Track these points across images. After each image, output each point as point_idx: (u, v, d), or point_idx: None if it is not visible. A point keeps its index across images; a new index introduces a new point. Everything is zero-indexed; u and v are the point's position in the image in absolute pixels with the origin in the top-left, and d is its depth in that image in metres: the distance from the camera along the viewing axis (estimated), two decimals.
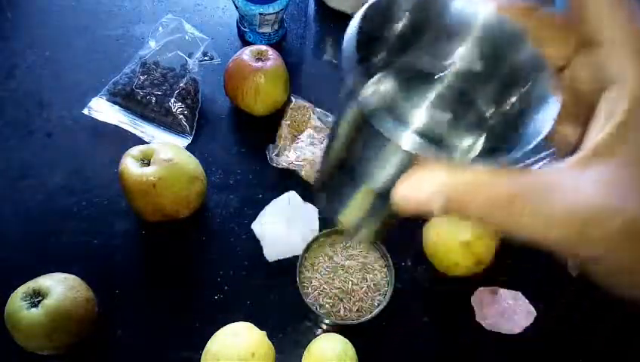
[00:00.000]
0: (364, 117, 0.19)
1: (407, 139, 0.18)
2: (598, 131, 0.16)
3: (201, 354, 0.46)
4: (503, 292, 0.54)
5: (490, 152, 0.23)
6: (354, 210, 0.25)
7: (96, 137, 0.62)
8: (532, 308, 0.53)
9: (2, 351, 0.47)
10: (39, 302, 0.44)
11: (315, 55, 0.75)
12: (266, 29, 0.70)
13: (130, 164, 0.50)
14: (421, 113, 0.25)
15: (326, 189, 0.27)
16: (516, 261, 0.57)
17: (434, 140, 0.25)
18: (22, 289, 0.45)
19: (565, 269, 0.58)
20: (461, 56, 0.24)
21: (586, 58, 0.17)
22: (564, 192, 0.15)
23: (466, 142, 0.25)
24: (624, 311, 0.56)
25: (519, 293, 0.54)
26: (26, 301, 0.44)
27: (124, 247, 0.55)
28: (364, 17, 0.20)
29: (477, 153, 0.24)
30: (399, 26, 0.23)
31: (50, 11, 0.73)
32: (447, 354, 0.52)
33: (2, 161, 0.60)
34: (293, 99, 0.66)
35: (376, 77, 0.25)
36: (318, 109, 0.66)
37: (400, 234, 0.58)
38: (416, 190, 0.17)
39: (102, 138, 0.62)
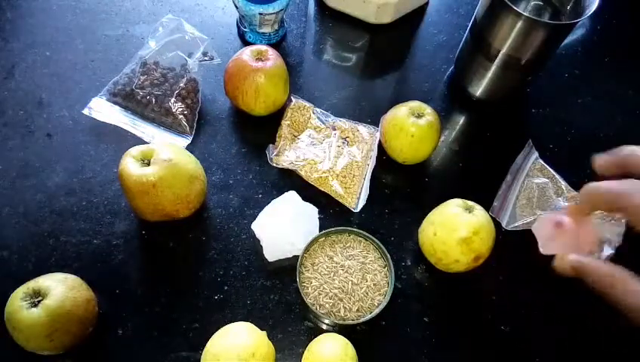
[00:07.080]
0: None
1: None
2: None
3: (201, 354, 0.46)
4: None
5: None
6: None
7: (96, 137, 0.62)
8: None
9: (2, 351, 0.47)
10: (39, 302, 0.44)
11: (315, 55, 0.75)
12: (266, 29, 0.70)
13: (130, 164, 0.50)
14: None
15: None
16: (514, 255, 0.57)
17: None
18: (22, 289, 0.45)
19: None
20: None
21: None
22: None
23: None
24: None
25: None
26: (26, 301, 0.44)
27: (124, 247, 0.55)
28: None
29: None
30: None
31: (50, 11, 0.73)
32: (448, 354, 0.52)
33: (2, 161, 0.60)
34: (293, 99, 0.67)
35: None
36: (318, 109, 0.66)
37: (400, 234, 0.58)
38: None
39: (102, 138, 0.62)
